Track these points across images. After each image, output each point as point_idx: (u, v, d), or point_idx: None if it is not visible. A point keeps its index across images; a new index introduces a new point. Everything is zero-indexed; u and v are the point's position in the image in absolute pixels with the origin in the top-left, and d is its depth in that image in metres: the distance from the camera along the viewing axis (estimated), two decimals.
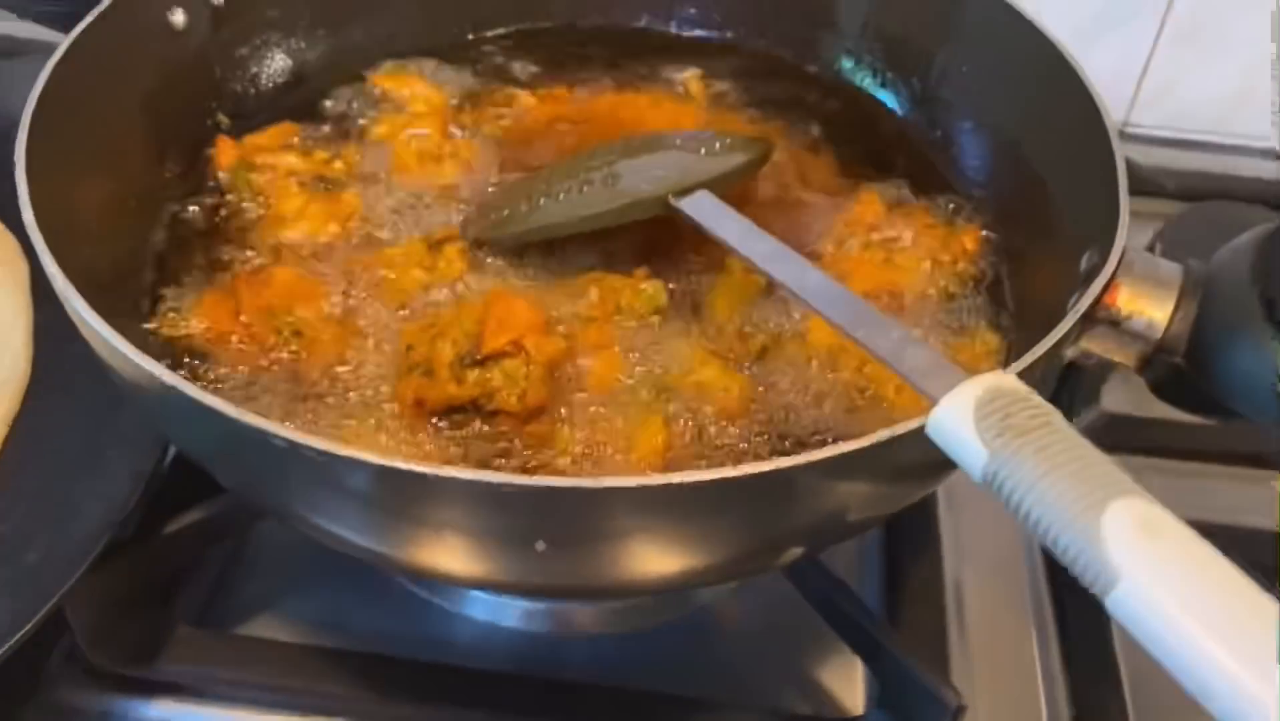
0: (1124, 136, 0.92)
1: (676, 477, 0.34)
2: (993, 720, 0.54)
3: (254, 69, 0.63)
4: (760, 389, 0.49)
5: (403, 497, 0.36)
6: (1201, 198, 0.80)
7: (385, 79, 0.66)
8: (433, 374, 0.46)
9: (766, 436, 0.47)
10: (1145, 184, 0.81)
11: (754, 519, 0.38)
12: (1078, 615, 0.58)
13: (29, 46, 0.89)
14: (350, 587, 0.58)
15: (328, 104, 0.64)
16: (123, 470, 0.51)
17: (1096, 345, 0.45)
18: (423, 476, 0.34)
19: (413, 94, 0.65)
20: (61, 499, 0.50)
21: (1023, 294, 0.54)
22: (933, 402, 0.36)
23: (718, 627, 0.59)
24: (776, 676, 0.56)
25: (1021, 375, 0.37)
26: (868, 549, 0.60)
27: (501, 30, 0.70)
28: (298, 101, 0.64)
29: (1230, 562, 0.31)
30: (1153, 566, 0.31)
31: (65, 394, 0.55)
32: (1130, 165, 0.79)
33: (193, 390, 0.36)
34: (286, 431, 0.35)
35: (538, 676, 0.53)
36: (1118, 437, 0.65)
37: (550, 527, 0.36)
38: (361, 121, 0.63)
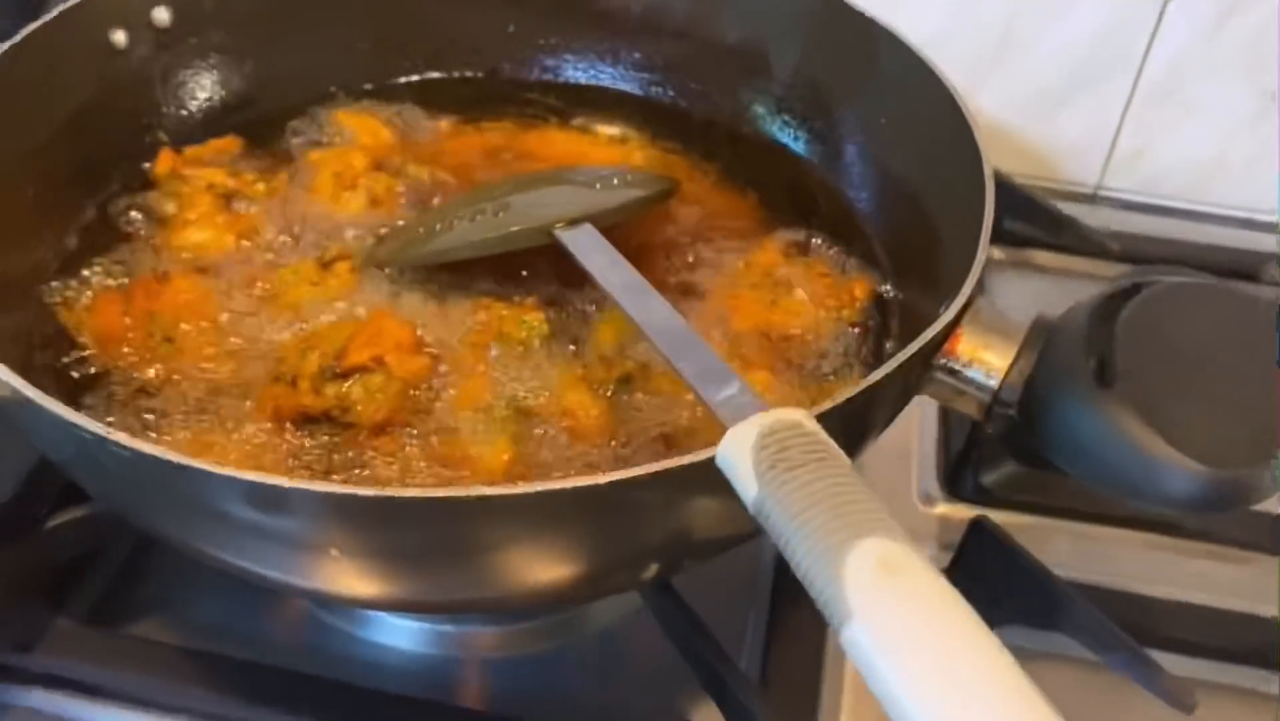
0: (1095, 200, 0.93)
1: (443, 491, 0.35)
2: None
3: (195, 91, 0.66)
4: (618, 416, 0.50)
5: (197, 494, 0.37)
6: (1152, 261, 0.79)
7: (345, 113, 0.68)
8: (295, 385, 0.48)
9: (616, 459, 0.48)
10: (1092, 245, 0.80)
11: (564, 534, 0.39)
12: None
13: None
14: (249, 597, 0.59)
15: (274, 129, 0.66)
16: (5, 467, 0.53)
17: (939, 392, 0.45)
18: (201, 473, 0.35)
19: (364, 129, 0.67)
20: None
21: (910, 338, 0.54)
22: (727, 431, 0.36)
23: (608, 654, 0.59)
24: (662, 705, 0.56)
25: (824, 417, 0.37)
26: (758, 592, 0.60)
27: (442, 74, 0.72)
28: (237, 124, 0.66)
29: (967, 606, 0.31)
30: (883, 607, 0.31)
31: None
32: (1076, 225, 0.80)
33: (29, 390, 0.38)
34: (99, 428, 0.36)
35: (425, 699, 0.54)
36: (1030, 496, 0.65)
37: (338, 536, 0.37)
38: (299, 145, 0.65)
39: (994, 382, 0.43)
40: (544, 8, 0.72)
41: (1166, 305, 0.43)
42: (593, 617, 0.60)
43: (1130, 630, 0.53)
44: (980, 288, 0.46)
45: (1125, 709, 0.55)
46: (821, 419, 0.37)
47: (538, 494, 0.36)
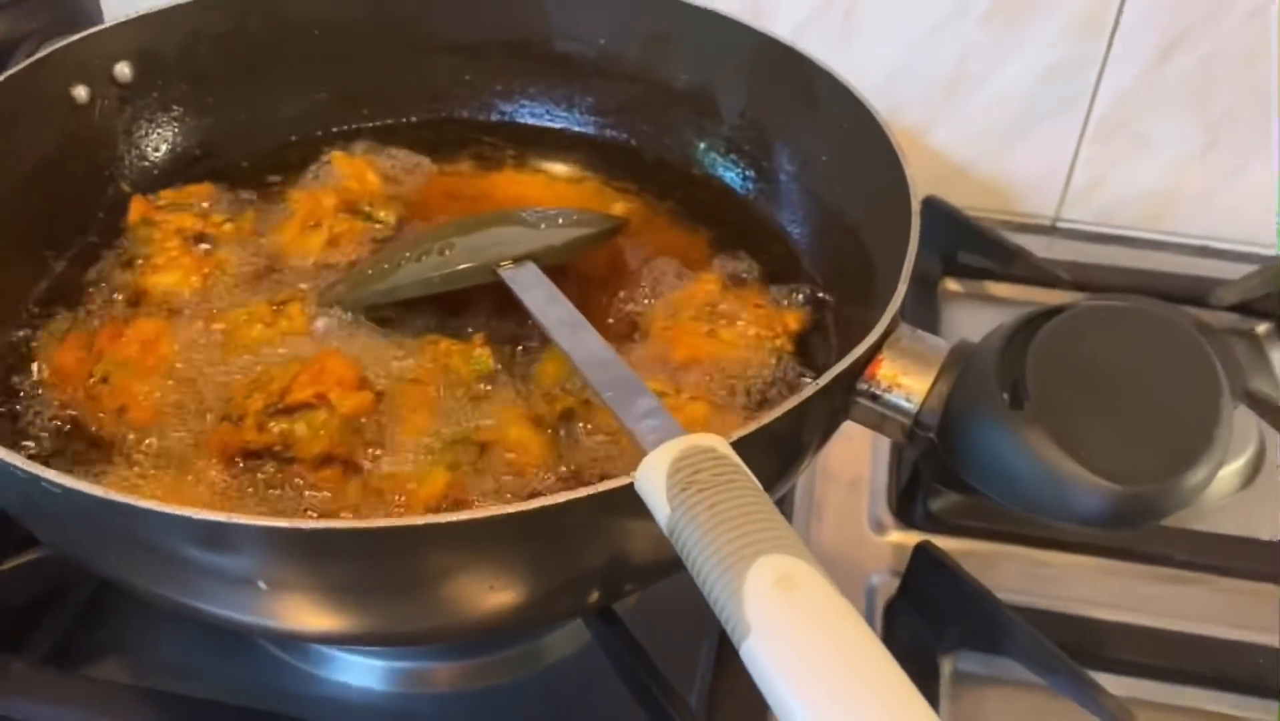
0: (1054, 231, 0.95)
1: (366, 523, 0.36)
2: None
3: (158, 142, 0.68)
4: (560, 449, 0.51)
5: (132, 531, 0.38)
6: (1106, 289, 0.80)
7: (339, 155, 0.69)
8: (240, 422, 0.49)
9: (548, 490, 0.49)
10: (1043, 275, 0.81)
11: (496, 562, 0.40)
12: None
13: None
14: (208, 637, 0.60)
15: (236, 176, 0.68)
16: None
17: (864, 417, 0.46)
18: (134, 509, 0.36)
19: (352, 172, 0.68)
20: None
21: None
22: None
23: (561, 686, 0.59)
24: None
25: (741, 442, 0.39)
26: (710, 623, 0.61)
27: (407, 119, 0.75)
28: (198, 173, 0.68)
29: (861, 621, 0.32)
30: (779, 622, 0.31)
31: None
32: (1027, 255, 0.82)
33: None
34: (33, 467, 0.38)
35: None
36: (977, 521, 0.66)
37: (268, 568, 0.38)
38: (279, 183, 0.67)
39: (914, 406, 0.45)
40: (499, 56, 0.74)
41: (1082, 327, 0.44)
42: (547, 650, 0.60)
43: (1075, 652, 0.54)
44: (901, 315, 0.47)
45: None
46: (741, 443, 0.38)
47: (462, 522, 0.37)
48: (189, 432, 0.51)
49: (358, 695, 0.58)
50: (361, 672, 0.59)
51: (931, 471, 0.47)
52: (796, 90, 0.65)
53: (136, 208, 0.63)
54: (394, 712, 0.58)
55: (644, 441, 0.39)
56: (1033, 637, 0.53)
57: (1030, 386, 0.41)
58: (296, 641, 0.56)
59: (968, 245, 0.82)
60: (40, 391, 0.54)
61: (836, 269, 0.62)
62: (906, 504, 0.66)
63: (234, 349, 0.55)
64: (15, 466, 0.38)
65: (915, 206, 0.52)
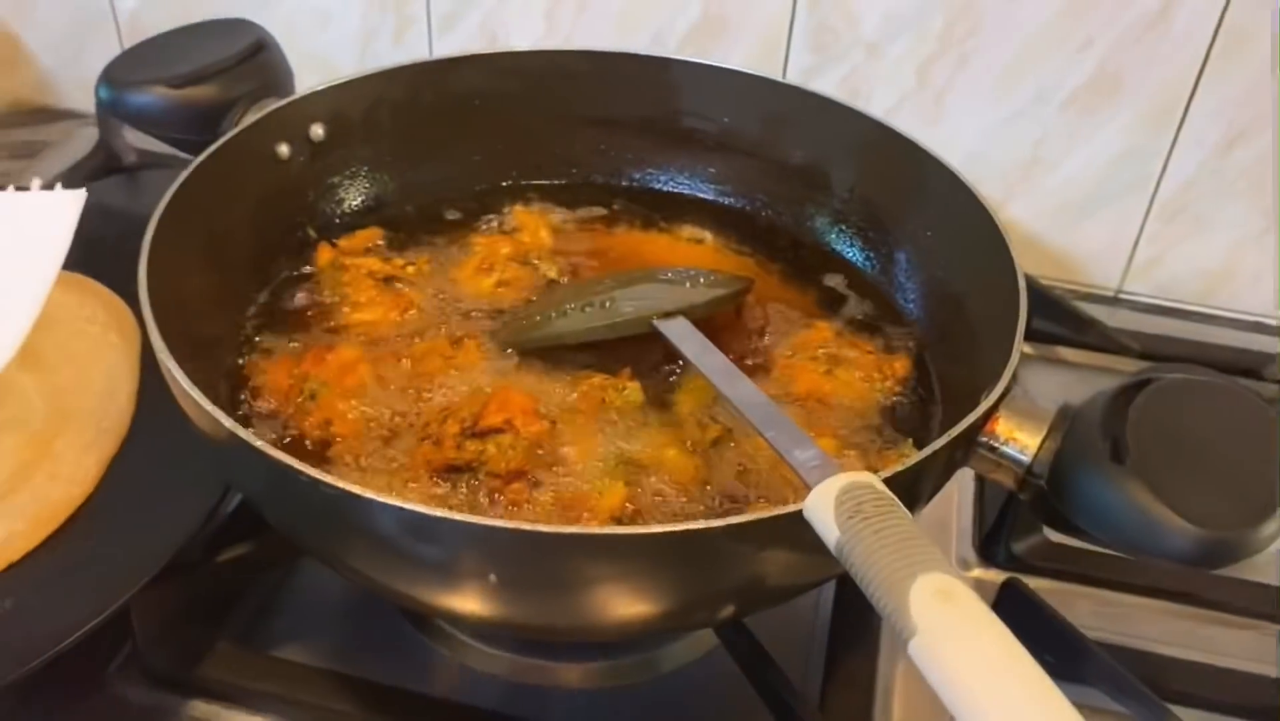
0: (1116, 302, 1.03)
1: (578, 529, 0.45)
2: None
3: (340, 194, 0.78)
4: (711, 470, 0.59)
5: (398, 531, 0.47)
6: (1166, 359, 0.88)
7: (520, 209, 0.79)
8: (440, 443, 0.58)
9: (708, 509, 0.57)
10: (1113, 344, 0.89)
11: (668, 573, 0.48)
12: None
13: (163, 160, 1.06)
14: (371, 629, 0.68)
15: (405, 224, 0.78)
16: (190, 506, 0.62)
17: (980, 465, 0.54)
18: (417, 514, 0.44)
19: (529, 225, 0.78)
20: (139, 523, 0.62)
21: (949, 417, 0.64)
22: (810, 490, 0.46)
23: (679, 692, 0.67)
24: None
25: (889, 480, 0.47)
26: (817, 636, 0.69)
27: (550, 181, 0.84)
28: (372, 222, 0.77)
29: (1005, 629, 0.40)
30: (941, 625, 0.39)
31: (154, 444, 0.68)
32: (1099, 325, 0.90)
33: (244, 433, 0.48)
34: (316, 473, 0.46)
35: (517, 716, 0.63)
36: (1055, 564, 0.73)
37: (499, 563, 0.46)
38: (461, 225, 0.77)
39: (1027, 458, 0.53)
40: (632, 130, 0.83)
41: (1173, 396, 0.52)
42: (666, 659, 0.68)
43: (1145, 684, 0.61)
44: (1015, 378, 0.55)
45: None
46: (887, 481, 0.46)
47: (654, 535, 0.45)
48: (391, 447, 0.60)
49: (499, 687, 0.66)
50: (505, 666, 0.67)
51: (1038, 514, 0.54)
52: (904, 171, 0.73)
53: (325, 253, 0.72)
54: (530, 704, 0.65)
55: (807, 476, 0.47)
56: (1114, 668, 0.61)
57: (1130, 444, 0.49)
58: (479, 625, 0.63)
59: (1043, 312, 0.90)
60: (258, 406, 0.63)
61: (939, 332, 0.70)
62: (990, 545, 0.74)
63: (418, 376, 0.64)
64: (296, 469, 0.46)
65: (1022, 284, 0.60)
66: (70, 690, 0.63)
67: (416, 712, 0.62)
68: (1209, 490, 0.49)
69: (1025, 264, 0.95)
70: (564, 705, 0.66)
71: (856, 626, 0.68)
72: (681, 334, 0.61)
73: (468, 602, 0.50)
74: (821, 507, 0.44)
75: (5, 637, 0.57)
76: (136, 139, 1.08)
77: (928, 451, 0.49)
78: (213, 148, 0.67)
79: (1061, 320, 0.91)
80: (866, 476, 0.45)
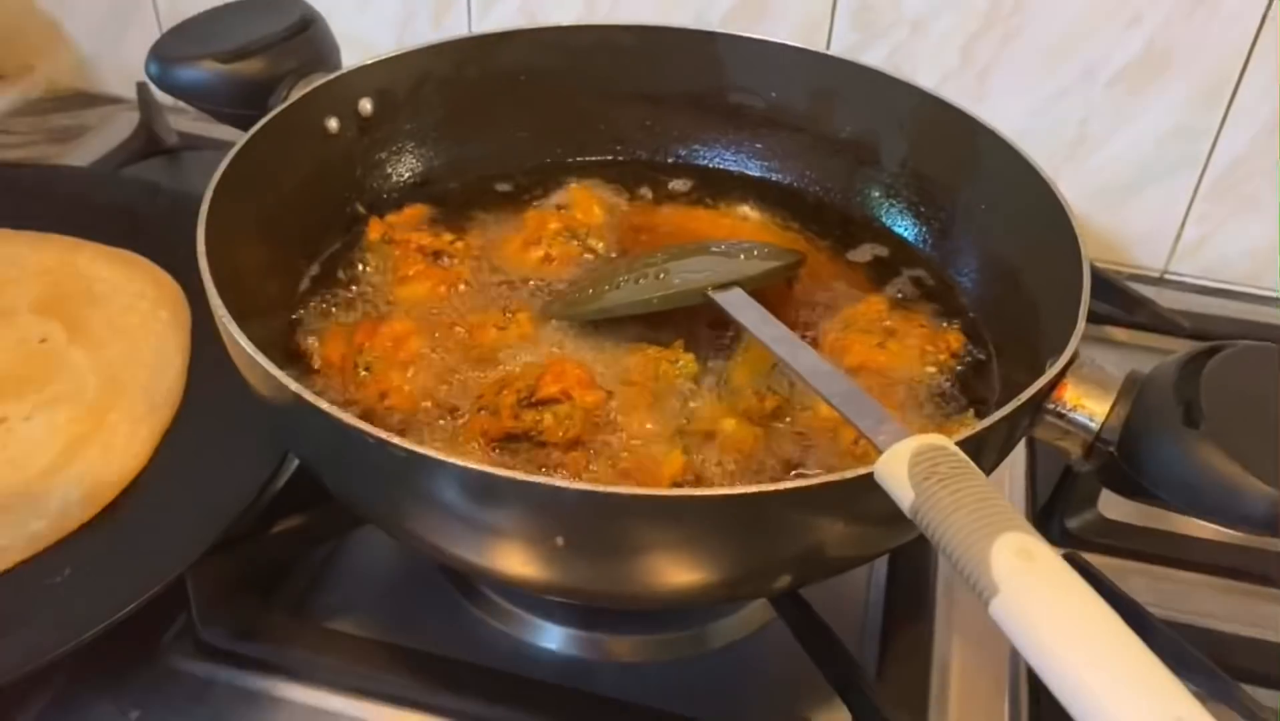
0: (1162, 282, 1.01)
1: (650, 491, 0.44)
2: None
3: (388, 169, 0.77)
4: (770, 441, 0.59)
5: (465, 493, 0.46)
6: (1215, 337, 0.87)
7: (576, 186, 0.79)
8: (497, 413, 0.58)
9: (771, 478, 0.57)
10: (1164, 323, 0.88)
11: (733, 537, 0.48)
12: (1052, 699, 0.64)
13: (204, 142, 1.07)
14: (421, 601, 0.68)
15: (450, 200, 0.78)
16: (245, 478, 0.63)
17: (1047, 433, 0.53)
18: (486, 474, 0.44)
19: (582, 202, 0.77)
20: (193, 494, 0.63)
21: (1007, 387, 0.63)
22: (880, 453, 0.45)
23: (731, 667, 0.66)
24: (776, 714, 0.63)
25: (961, 443, 0.46)
26: (872, 610, 0.68)
27: (594, 158, 0.83)
28: (419, 198, 0.77)
29: (1088, 586, 0.39)
30: (1024, 584, 0.39)
31: (207, 417, 0.68)
32: (1150, 304, 0.89)
33: (311, 396, 0.47)
34: (383, 434, 0.46)
35: (572, 687, 0.62)
36: (1109, 540, 0.72)
37: (568, 525, 0.46)
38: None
39: (1096, 424, 0.52)
40: (678, 105, 0.83)
41: (1245, 362, 0.52)
42: (716, 635, 0.68)
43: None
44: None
45: None
46: (959, 444, 0.46)
47: (724, 497, 0.45)
48: (447, 418, 0.59)
49: (552, 657, 0.66)
50: (557, 638, 0.66)
51: (1108, 482, 0.54)
52: (956, 144, 0.73)
53: (375, 228, 0.72)
54: (582, 676, 0.65)
55: (878, 440, 0.46)
56: (1178, 643, 0.60)
57: (1204, 407, 0.49)
58: (542, 591, 0.62)
59: (1093, 292, 0.88)
60: (312, 381, 0.63)
61: (995, 305, 0.69)
62: (1045, 521, 0.73)
63: (473, 349, 0.64)
64: (364, 431, 0.46)
65: (1084, 251, 0.59)
66: (125, 659, 0.63)
67: (469, 683, 0.62)
68: None
69: None
70: (614, 677, 0.65)
71: (911, 599, 0.67)
72: (739, 304, 0.61)
73: (532, 568, 0.50)
74: (895, 469, 0.44)
75: (63, 606, 0.57)
76: (178, 121, 1.10)
77: (997, 416, 0.49)
78: (265, 119, 0.67)
79: (1111, 299, 0.90)
80: (939, 438, 0.45)
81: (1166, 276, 1.02)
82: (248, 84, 0.74)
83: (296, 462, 0.71)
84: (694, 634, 0.67)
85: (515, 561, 0.50)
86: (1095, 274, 0.90)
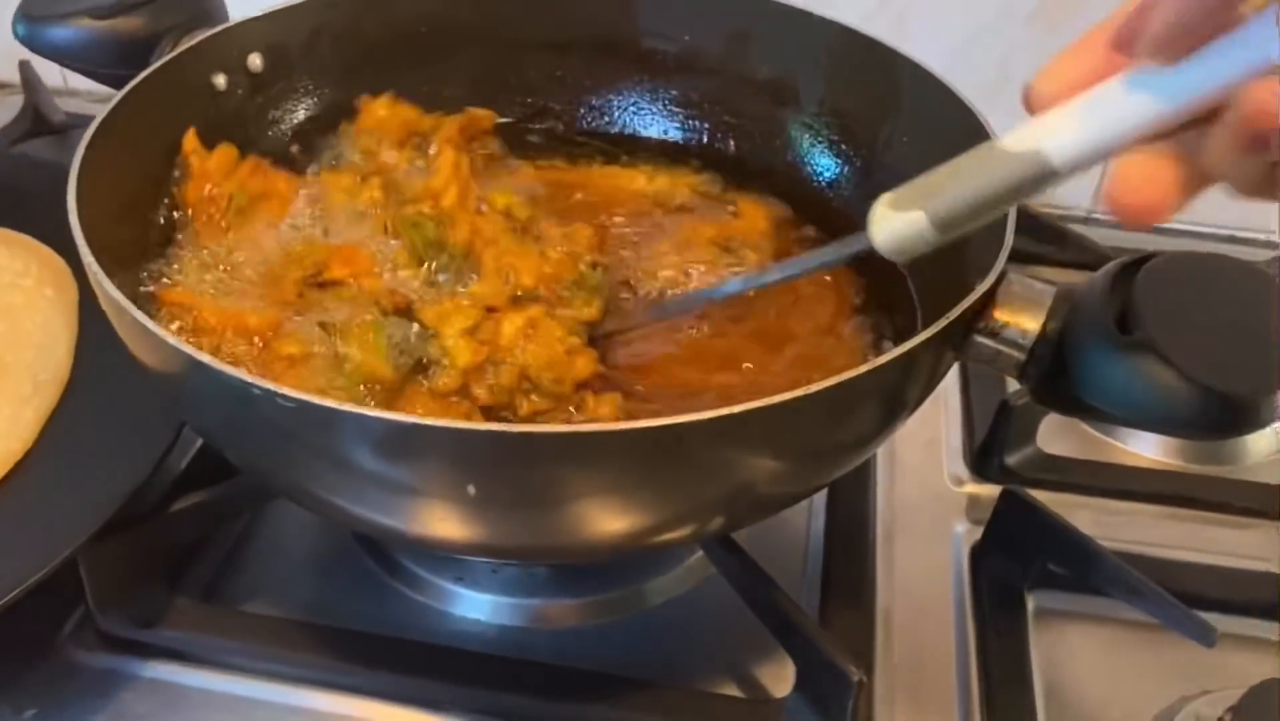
0: (1088, 221, 1.01)
1: (553, 429, 0.41)
2: None
3: (284, 128, 0.73)
4: None
5: (363, 442, 0.43)
6: None
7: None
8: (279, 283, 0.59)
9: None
10: (1095, 257, 0.88)
11: (651, 474, 0.45)
12: (997, 636, 0.63)
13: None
14: (340, 580, 0.65)
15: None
16: (136, 455, 0.58)
17: (980, 354, 0.51)
18: (386, 421, 0.41)
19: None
20: (83, 474, 0.58)
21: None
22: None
23: (669, 625, 0.64)
24: (717, 668, 0.61)
25: (893, 362, 0.44)
26: (811, 560, 0.66)
27: (503, 112, 0.79)
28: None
29: None
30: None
31: (96, 395, 0.65)
32: (1080, 239, 0.88)
33: (188, 347, 0.43)
34: (270, 385, 0.42)
35: (501, 655, 0.59)
36: (1050, 475, 0.71)
37: (477, 472, 0.43)
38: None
39: (1029, 341, 0.50)
40: (589, 54, 0.79)
41: (1176, 269, 0.50)
42: (655, 593, 0.65)
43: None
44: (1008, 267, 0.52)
45: (1154, 659, 0.61)
46: (879, 369, 0.44)
47: (639, 430, 0.42)
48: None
49: (482, 628, 0.63)
50: (486, 609, 0.64)
51: (1043, 400, 0.52)
52: (875, 77, 0.70)
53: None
54: (515, 645, 0.62)
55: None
56: (1126, 571, 0.58)
57: (1137, 312, 0.47)
58: (460, 549, 0.60)
59: (1021, 230, 0.87)
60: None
61: None
62: (983, 459, 0.72)
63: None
64: (252, 384, 0.42)
65: None
66: (19, 656, 0.59)
67: (394, 658, 0.59)
68: (1219, 356, 0.46)
69: None
70: (548, 643, 0.62)
71: (852, 546, 0.65)
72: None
73: (446, 523, 0.47)
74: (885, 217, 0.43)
75: None
76: (65, 103, 1.04)
77: (927, 334, 0.46)
78: (143, 74, 0.62)
79: (1041, 236, 0.89)
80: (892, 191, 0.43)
81: (1093, 216, 1.01)
82: (126, 42, 0.69)
83: (197, 447, 0.67)
84: (629, 592, 0.65)
85: (427, 517, 0.47)
86: (1024, 211, 0.89)
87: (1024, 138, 0.39)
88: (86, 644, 0.59)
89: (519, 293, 0.60)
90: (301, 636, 0.59)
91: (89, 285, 0.63)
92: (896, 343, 0.61)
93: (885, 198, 0.43)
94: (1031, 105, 0.40)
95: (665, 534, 0.52)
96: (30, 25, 0.68)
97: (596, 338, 0.60)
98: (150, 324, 0.45)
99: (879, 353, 0.60)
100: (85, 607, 0.59)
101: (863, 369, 0.44)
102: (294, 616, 0.62)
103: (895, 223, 0.42)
